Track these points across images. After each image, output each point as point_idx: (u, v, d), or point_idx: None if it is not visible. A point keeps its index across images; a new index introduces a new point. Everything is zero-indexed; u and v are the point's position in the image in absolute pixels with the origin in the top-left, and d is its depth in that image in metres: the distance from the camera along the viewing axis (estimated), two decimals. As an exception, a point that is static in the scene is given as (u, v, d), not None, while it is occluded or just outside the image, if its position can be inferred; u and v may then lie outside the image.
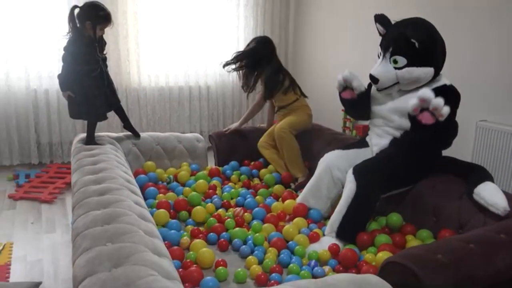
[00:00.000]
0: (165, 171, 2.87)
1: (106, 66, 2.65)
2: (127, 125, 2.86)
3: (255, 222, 2.19)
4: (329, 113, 4.41)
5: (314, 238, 2.05)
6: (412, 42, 2.03)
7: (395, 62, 2.10)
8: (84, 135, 2.75)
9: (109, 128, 4.14)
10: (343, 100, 2.41)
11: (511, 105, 2.90)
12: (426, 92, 1.91)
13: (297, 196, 2.47)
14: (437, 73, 2.12)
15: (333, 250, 1.94)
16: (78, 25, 2.43)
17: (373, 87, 2.31)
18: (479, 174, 1.94)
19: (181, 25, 4.55)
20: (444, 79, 2.17)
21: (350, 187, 2.03)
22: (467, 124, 3.02)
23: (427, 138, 2.06)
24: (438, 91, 1.96)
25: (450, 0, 3.18)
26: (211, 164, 3.18)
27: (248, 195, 2.53)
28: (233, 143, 3.11)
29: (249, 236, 2.07)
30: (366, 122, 3.43)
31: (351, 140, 2.76)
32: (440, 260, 1.41)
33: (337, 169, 2.30)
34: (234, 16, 4.83)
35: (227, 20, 4.80)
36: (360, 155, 2.31)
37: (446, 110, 1.88)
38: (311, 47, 5.00)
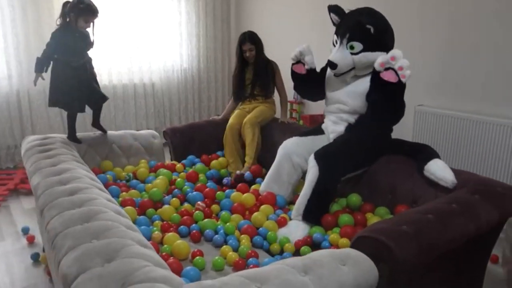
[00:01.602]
0: (123, 169, 2.82)
1: (91, 63, 2.73)
2: (96, 123, 2.89)
3: (223, 212, 2.24)
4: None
5: (282, 223, 2.14)
6: (367, 28, 2.18)
7: (352, 48, 2.23)
8: (31, 137, 2.66)
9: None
10: (293, 74, 2.52)
11: (445, 91, 3.20)
12: (397, 51, 2.09)
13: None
14: None
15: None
16: (67, 19, 2.58)
17: (328, 73, 2.45)
18: (427, 152, 2.14)
19: (123, 22, 4.45)
20: None
21: (313, 171, 2.14)
22: (406, 108, 3.28)
23: (384, 102, 2.20)
24: None
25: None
26: (168, 159, 3.18)
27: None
28: (188, 138, 3.12)
29: (220, 226, 2.11)
30: (319, 111, 3.59)
31: (305, 128, 2.90)
32: (405, 231, 1.55)
33: (296, 155, 2.42)
34: (176, 12, 4.81)
35: (169, 15, 4.77)
36: (317, 141, 2.44)
37: (409, 72, 2.07)
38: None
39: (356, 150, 2.24)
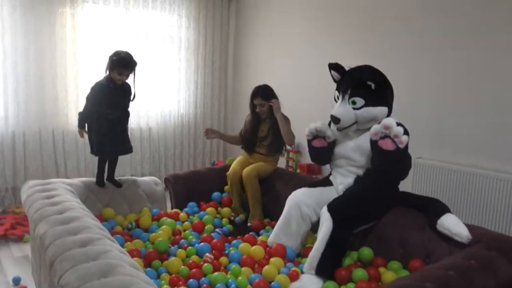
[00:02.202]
0: (124, 217, 2.75)
1: (127, 117, 2.80)
2: (111, 177, 2.91)
3: (233, 265, 2.18)
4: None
5: (294, 277, 2.09)
6: (368, 84, 2.25)
7: (354, 103, 2.28)
8: (32, 181, 2.61)
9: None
10: (313, 148, 2.52)
11: (441, 144, 3.27)
12: (389, 120, 2.14)
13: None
14: (390, 112, 2.36)
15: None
16: (107, 72, 2.68)
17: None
18: (438, 206, 2.15)
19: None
20: (395, 118, 2.37)
21: (326, 225, 2.12)
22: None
23: (389, 166, 2.24)
24: None
25: (387, 43, 3.57)
26: (168, 207, 3.12)
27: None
28: (190, 185, 3.09)
29: (231, 280, 2.05)
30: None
31: (310, 179, 2.91)
32: (429, 289, 1.54)
33: (305, 206, 2.40)
34: (176, 59, 4.90)
35: (168, 62, 4.84)
36: (326, 193, 2.44)
37: (405, 138, 2.12)
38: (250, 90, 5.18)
39: (368, 202, 2.25)
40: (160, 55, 4.76)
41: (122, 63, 2.61)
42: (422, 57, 3.36)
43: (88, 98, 2.67)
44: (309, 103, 4.27)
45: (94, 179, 2.87)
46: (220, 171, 3.22)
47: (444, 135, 3.27)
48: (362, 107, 2.27)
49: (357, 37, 3.83)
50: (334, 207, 2.17)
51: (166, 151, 4.97)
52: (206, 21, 5.03)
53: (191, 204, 3.03)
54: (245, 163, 3.15)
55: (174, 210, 2.93)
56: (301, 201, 2.42)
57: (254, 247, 2.35)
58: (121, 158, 4.54)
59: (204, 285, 2.01)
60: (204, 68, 5.11)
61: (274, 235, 2.43)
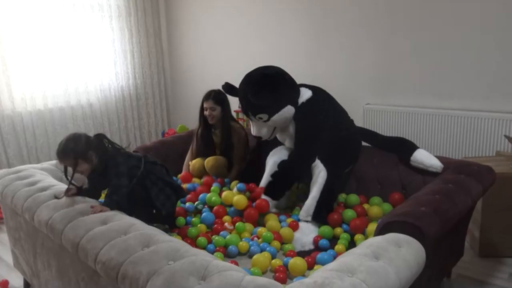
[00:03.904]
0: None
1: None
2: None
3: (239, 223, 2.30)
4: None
5: (294, 227, 2.25)
6: (259, 103, 2.28)
7: (261, 118, 2.34)
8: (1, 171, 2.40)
9: None
10: None
11: (386, 90, 3.59)
12: None
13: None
14: (295, 102, 2.38)
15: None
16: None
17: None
18: (408, 144, 2.42)
19: (54, 42, 4.20)
20: (304, 96, 2.41)
21: (322, 174, 2.28)
22: (356, 107, 3.63)
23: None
24: (301, 109, 2.34)
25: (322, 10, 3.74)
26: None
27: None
28: (162, 155, 3.06)
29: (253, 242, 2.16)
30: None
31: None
32: (426, 211, 1.79)
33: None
34: (109, 29, 4.65)
35: (101, 33, 4.59)
36: None
37: None
38: (187, 55, 5.12)
39: (346, 144, 2.45)
40: (91, 26, 4.48)
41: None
42: (359, 6, 3.58)
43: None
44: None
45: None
46: (188, 138, 3.21)
47: (387, 80, 3.58)
48: (269, 119, 2.33)
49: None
50: (325, 157, 2.32)
51: (111, 126, 4.80)
52: (134, -15, 4.79)
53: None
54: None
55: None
56: (280, 158, 2.54)
57: (236, 198, 2.42)
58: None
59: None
60: (139, 36, 4.92)
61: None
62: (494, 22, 2.97)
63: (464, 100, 3.19)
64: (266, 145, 2.69)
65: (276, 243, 2.12)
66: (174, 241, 1.51)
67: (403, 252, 1.47)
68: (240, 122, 4.32)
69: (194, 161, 2.99)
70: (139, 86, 5.02)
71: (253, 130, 2.44)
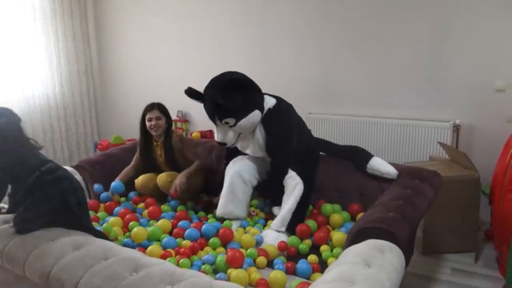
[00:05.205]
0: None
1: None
2: None
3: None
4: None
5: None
6: (227, 107, 2.26)
7: (227, 123, 2.32)
8: None
9: None
10: None
11: (328, 100, 3.76)
12: None
13: None
14: (262, 107, 2.39)
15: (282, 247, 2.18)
16: None
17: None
18: (363, 152, 2.54)
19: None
20: (269, 103, 2.44)
21: (298, 187, 2.32)
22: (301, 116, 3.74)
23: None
24: (270, 115, 2.38)
25: (273, 18, 3.81)
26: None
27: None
28: (109, 170, 2.89)
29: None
30: (207, 128, 3.63)
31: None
32: (394, 217, 1.89)
33: (245, 173, 2.52)
34: (32, 31, 4.28)
35: (24, 36, 4.21)
36: (258, 159, 2.59)
37: None
38: (118, 62, 4.89)
39: (313, 158, 2.53)
40: (13, 28, 4.08)
41: None
42: (303, 20, 3.70)
43: None
44: (188, 73, 4.29)
45: None
46: (134, 150, 3.06)
47: (328, 90, 3.74)
48: (235, 123, 2.31)
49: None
50: (299, 170, 2.36)
51: (36, 138, 4.35)
52: (60, -15, 4.46)
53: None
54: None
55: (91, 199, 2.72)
56: (241, 168, 2.53)
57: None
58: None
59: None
60: (65, 41, 4.58)
61: (222, 206, 2.48)
62: (425, 40, 3.25)
63: (400, 109, 3.44)
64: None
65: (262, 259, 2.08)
66: (164, 264, 1.43)
67: (389, 258, 1.55)
68: (180, 131, 4.23)
69: (140, 177, 2.87)
70: (66, 94, 4.67)
71: (218, 136, 2.39)
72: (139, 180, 2.86)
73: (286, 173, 2.40)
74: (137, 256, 1.48)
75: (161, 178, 2.77)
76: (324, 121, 3.73)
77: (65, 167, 2.72)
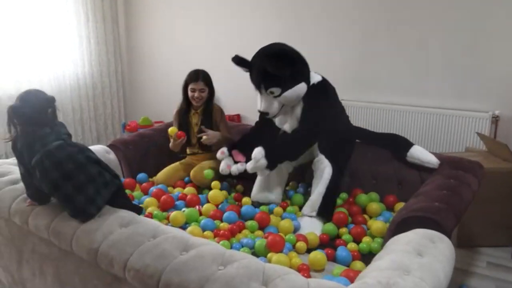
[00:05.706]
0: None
1: None
2: None
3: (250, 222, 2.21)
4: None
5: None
6: (276, 75, 2.23)
7: (272, 93, 2.30)
8: None
9: None
10: None
11: (359, 87, 3.66)
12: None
13: None
14: (308, 81, 2.37)
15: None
16: None
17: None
18: (403, 140, 2.48)
19: (6, 28, 3.78)
20: (315, 78, 2.42)
21: (327, 170, 2.28)
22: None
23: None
24: (312, 90, 2.34)
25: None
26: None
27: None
28: (143, 151, 2.88)
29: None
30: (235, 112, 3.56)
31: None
32: (440, 207, 1.84)
33: None
34: (64, 11, 4.28)
35: (55, 17, 4.22)
36: None
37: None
38: (146, 43, 4.88)
39: (345, 144, 2.46)
40: (45, 8, 4.08)
41: None
42: (337, 5, 3.61)
43: None
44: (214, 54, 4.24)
45: None
46: (165, 131, 3.03)
47: (362, 77, 3.66)
48: (281, 93, 2.29)
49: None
50: (329, 152, 2.32)
51: (65, 117, 4.43)
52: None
53: (142, 175, 2.83)
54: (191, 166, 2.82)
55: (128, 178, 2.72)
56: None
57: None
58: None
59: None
60: (95, 21, 4.58)
61: (258, 190, 2.48)
62: (465, 26, 3.13)
63: (436, 98, 3.35)
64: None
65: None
66: (212, 244, 1.42)
67: (441, 248, 1.50)
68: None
69: (160, 174, 2.79)
70: (95, 75, 4.68)
71: (262, 106, 2.34)
72: (160, 176, 2.77)
73: (300, 148, 2.36)
74: (184, 235, 1.46)
75: (196, 171, 2.70)
76: (358, 108, 3.66)
77: (99, 146, 2.77)
